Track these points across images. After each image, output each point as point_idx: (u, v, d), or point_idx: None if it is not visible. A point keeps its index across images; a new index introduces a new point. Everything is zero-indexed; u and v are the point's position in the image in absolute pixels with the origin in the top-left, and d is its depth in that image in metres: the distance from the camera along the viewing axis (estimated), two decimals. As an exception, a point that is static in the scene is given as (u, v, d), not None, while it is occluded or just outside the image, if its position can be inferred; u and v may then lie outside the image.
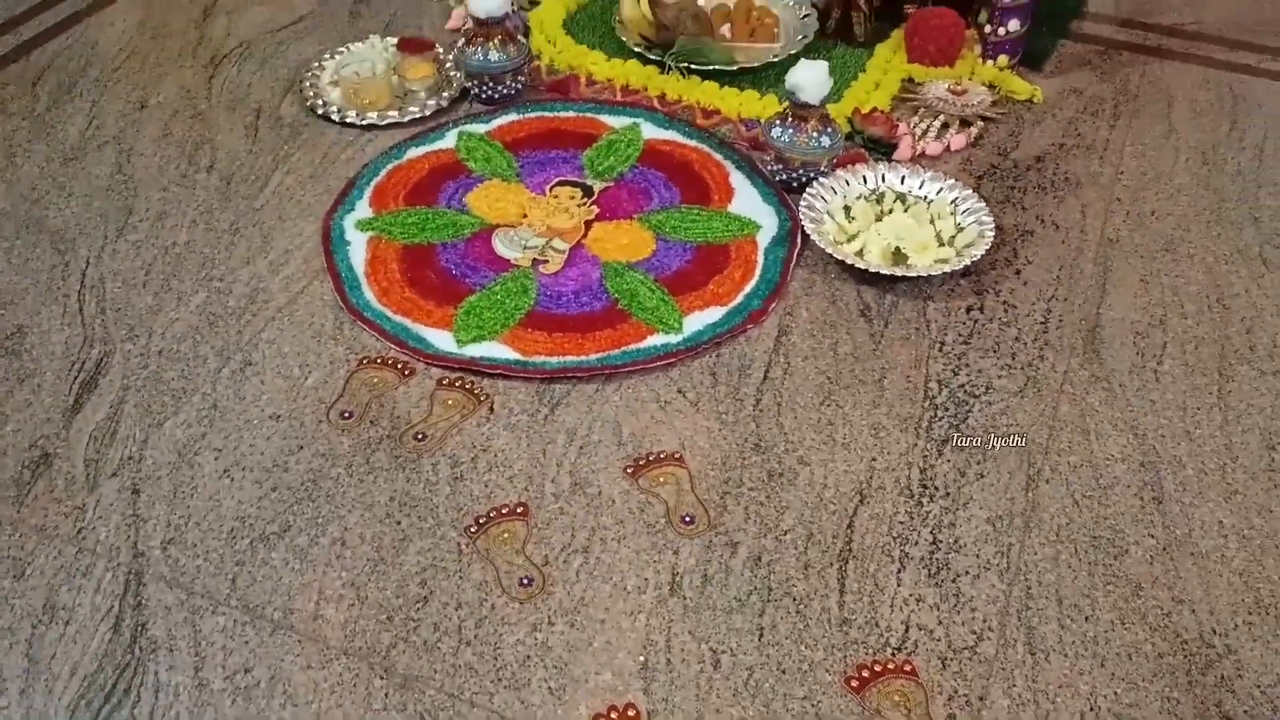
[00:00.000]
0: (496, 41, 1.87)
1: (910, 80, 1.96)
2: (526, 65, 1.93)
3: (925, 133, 1.86)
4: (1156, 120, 1.91)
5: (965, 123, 1.88)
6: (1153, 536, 1.27)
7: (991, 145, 1.85)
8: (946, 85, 1.93)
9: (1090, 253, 1.65)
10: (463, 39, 1.92)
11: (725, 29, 2.03)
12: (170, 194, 1.74)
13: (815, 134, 1.69)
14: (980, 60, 1.99)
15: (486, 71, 1.88)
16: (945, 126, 1.87)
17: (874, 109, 1.86)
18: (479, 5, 1.84)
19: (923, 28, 1.97)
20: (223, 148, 1.84)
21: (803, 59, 1.70)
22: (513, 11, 1.92)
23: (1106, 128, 1.89)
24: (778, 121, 1.72)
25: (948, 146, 1.84)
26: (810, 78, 1.65)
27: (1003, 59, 1.98)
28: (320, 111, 1.89)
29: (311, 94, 1.92)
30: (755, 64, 1.95)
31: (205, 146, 1.84)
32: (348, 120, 1.87)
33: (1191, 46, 2.10)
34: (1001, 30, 1.95)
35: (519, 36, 1.94)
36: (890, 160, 1.78)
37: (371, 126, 1.87)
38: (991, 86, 1.95)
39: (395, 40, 1.98)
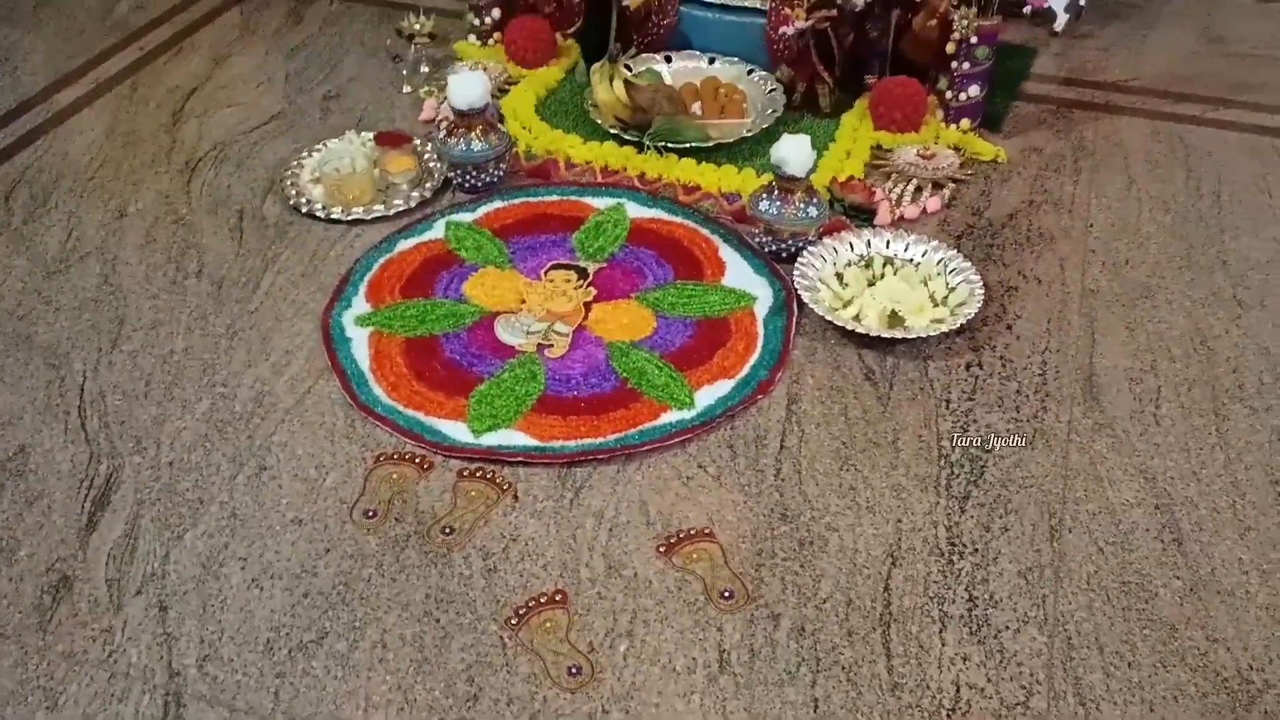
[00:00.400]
0: (478, 131, 1.90)
1: (879, 147, 2.02)
2: (508, 152, 1.95)
3: (900, 197, 1.91)
4: (1116, 173, 1.99)
5: (937, 185, 1.94)
6: (1179, 578, 1.31)
7: (965, 205, 1.92)
8: (915, 150, 1.99)
9: (1074, 304, 1.70)
10: (443, 130, 1.94)
11: (696, 107, 2.09)
12: (161, 301, 1.72)
13: (802, 205, 1.74)
14: (944, 124, 2.06)
15: (470, 161, 1.90)
16: (919, 190, 1.93)
17: (850, 177, 1.91)
18: (459, 97, 1.87)
19: (886, 97, 2.04)
20: (209, 251, 1.82)
21: (785, 134, 1.75)
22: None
23: (1070, 183, 1.97)
24: (764, 195, 1.76)
25: (924, 209, 1.90)
26: (795, 152, 1.70)
27: (965, 122, 2.06)
28: (304, 210, 1.89)
29: (294, 192, 1.92)
30: (729, 139, 2.00)
31: (191, 251, 1.83)
32: (333, 217, 1.87)
33: (1137, 101, 2.20)
34: (963, 95, 2.03)
35: (498, 124, 1.97)
36: (872, 226, 1.83)
37: (357, 221, 1.88)
38: (957, 149, 2.02)
39: (373, 135, 2.00)
